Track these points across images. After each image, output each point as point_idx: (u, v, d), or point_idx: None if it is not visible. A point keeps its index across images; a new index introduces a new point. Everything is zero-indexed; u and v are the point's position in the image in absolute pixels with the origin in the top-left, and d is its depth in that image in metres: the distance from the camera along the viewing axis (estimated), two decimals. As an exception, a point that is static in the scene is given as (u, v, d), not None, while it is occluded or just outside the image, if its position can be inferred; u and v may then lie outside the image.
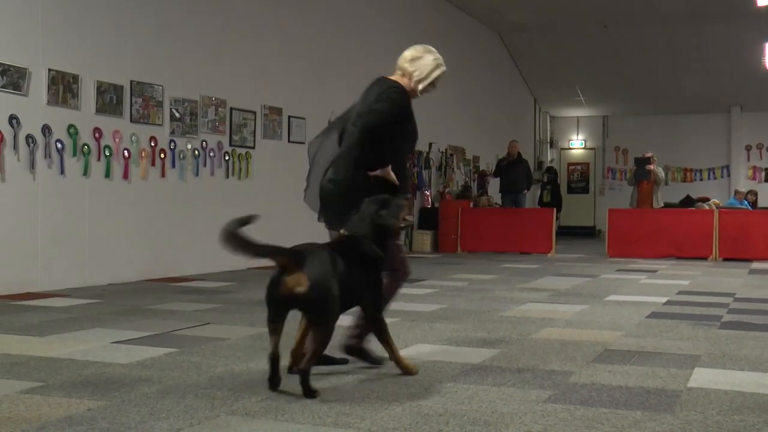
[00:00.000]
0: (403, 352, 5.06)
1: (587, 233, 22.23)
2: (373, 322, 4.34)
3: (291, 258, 3.89)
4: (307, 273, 3.84)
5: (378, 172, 4.46)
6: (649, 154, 15.49)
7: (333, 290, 3.90)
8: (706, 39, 18.60)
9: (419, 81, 4.65)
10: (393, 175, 4.50)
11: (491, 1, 17.34)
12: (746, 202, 16.74)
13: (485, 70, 19.32)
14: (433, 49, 4.72)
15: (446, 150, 16.83)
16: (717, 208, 14.88)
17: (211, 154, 10.43)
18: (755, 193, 18.22)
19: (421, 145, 15.58)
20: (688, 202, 18.89)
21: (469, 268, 11.71)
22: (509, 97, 21.13)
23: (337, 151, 4.52)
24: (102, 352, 5.02)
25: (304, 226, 12.01)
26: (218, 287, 8.75)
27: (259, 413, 3.62)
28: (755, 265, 12.75)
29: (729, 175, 22.07)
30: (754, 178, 21.69)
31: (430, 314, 6.90)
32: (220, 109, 10.58)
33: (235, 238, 3.86)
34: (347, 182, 4.39)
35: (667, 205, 16.15)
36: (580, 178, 24.06)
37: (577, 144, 24.36)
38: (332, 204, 4.48)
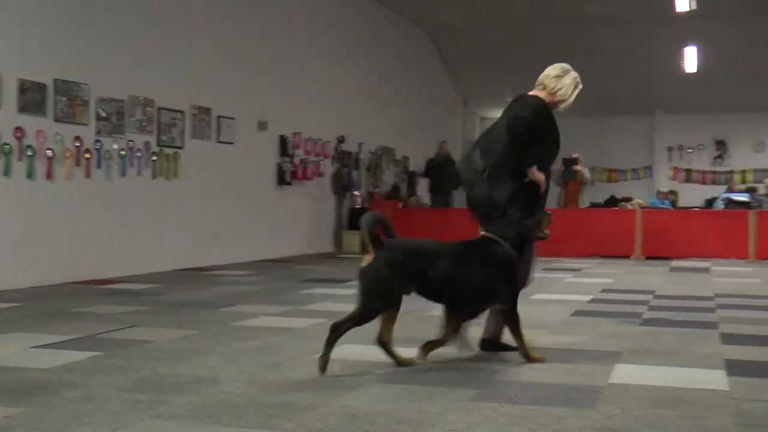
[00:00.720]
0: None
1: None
2: (503, 315, 4.92)
3: (371, 244, 4.57)
4: (372, 260, 4.53)
5: (530, 176, 4.98)
6: (575, 155, 15.78)
7: (376, 280, 4.53)
8: (630, 43, 19.02)
9: (562, 99, 5.19)
10: (538, 175, 5.01)
11: (422, 2, 17.44)
12: (667, 202, 17.19)
13: (415, 71, 19.43)
14: (569, 67, 5.27)
15: (376, 150, 16.87)
16: (640, 207, 15.25)
17: (138, 154, 10.27)
18: (676, 193, 18.72)
19: (350, 146, 15.62)
20: (612, 202, 19.34)
21: (399, 268, 11.73)
22: (439, 98, 21.29)
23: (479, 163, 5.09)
24: (22, 356, 4.91)
25: (233, 226, 11.99)
26: (145, 289, 8.63)
27: (184, 416, 3.59)
28: (675, 263, 13.10)
29: (652, 176, 22.60)
30: (675, 179, 22.25)
31: (358, 314, 6.90)
32: (147, 108, 10.43)
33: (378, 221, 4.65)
34: (499, 184, 4.96)
35: (592, 205, 16.48)
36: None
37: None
38: (484, 204, 5.06)
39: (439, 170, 16.03)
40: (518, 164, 4.97)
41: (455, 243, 4.89)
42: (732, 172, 21.70)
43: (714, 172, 22.13)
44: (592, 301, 8.06)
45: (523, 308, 7.32)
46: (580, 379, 4.43)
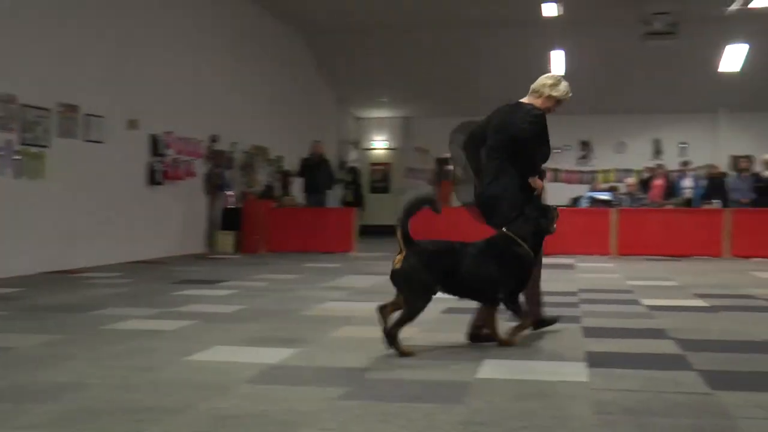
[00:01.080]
0: (201, 355, 5.04)
1: (389, 232, 22.65)
2: (504, 302, 5.28)
3: (402, 242, 5.02)
4: (403, 259, 4.96)
5: (532, 184, 5.53)
6: (447, 155, 16.09)
7: (416, 277, 4.97)
8: (502, 45, 19.50)
9: (556, 102, 5.76)
10: (538, 182, 5.56)
11: (296, 2, 17.39)
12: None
13: (289, 71, 19.36)
14: (561, 77, 5.87)
15: (249, 150, 16.72)
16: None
17: (0, 153, 9.83)
18: (544, 191, 19.31)
19: (223, 145, 15.44)
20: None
21: (272, 268, 11.72)
22: (313, 98, 21.28)
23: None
24: None
25: (102, 227, 11.64)
26: (7, 293, 8.26)
27: (45, 426, 3.47)
28: (547, 260, 13.50)
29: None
30: (544, 177, 22.99)
31: (229, 315, 6.86)
32: (9, 105, 10.00)
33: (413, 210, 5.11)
34: (508, 190, 5.53)
35: (464, 205, 16.82)
36: (383, 178, 24.59)
37: (380, 144, 24.89)
38: (498, 210, 5.55)
39: (314, 170, 16.05)
40: (523, 171, 5.52)
41: (477, 242, 5.30)
42: (595, 171, 22.59)
43: (580, 172, 22.96)
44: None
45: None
46: (448, 375, 4.53)
